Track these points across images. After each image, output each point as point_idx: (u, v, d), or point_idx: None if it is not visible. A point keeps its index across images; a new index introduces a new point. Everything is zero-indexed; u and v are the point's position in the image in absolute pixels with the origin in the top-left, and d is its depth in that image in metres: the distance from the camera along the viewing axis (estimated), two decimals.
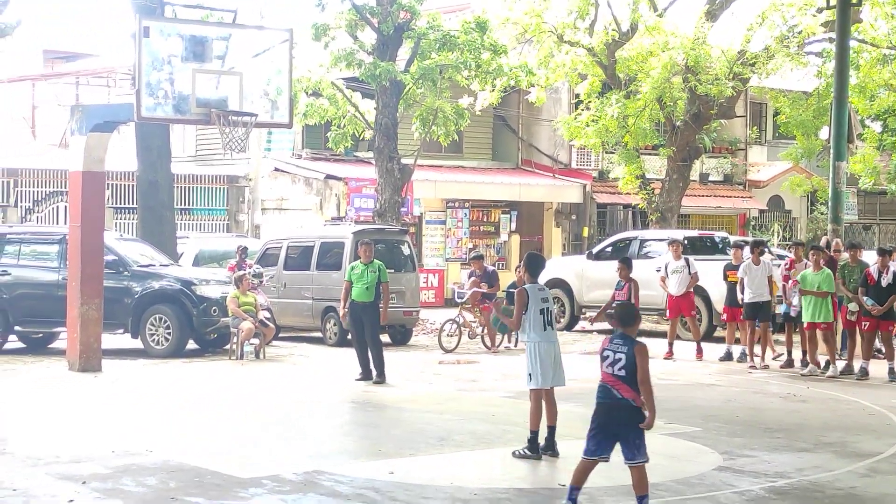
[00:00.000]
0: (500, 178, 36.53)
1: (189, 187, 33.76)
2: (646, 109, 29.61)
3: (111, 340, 20.10)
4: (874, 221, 44.75)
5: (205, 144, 35.53)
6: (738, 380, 18.06)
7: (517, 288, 11.66)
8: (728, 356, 20.40)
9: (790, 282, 19.34)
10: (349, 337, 18.92)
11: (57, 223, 30.07)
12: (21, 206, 31.45)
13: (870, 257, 19.27)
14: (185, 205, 33.11)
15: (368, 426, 13.89)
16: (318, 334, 23.59)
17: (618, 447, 8.76)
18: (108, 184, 24.80)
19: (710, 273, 21.93)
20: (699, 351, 20.71)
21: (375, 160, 26.74)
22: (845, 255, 19.31)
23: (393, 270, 20.56)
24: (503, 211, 36.86)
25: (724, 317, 21.07)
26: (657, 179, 32.95)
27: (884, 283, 17.87)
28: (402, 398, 15.72)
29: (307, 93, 26.49)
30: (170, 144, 26.00)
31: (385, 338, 20.94)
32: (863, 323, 18.16)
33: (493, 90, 29.03)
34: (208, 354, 21.05)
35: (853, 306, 18.29)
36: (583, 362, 19.30)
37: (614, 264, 19.95)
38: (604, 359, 8.73)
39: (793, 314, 19.40)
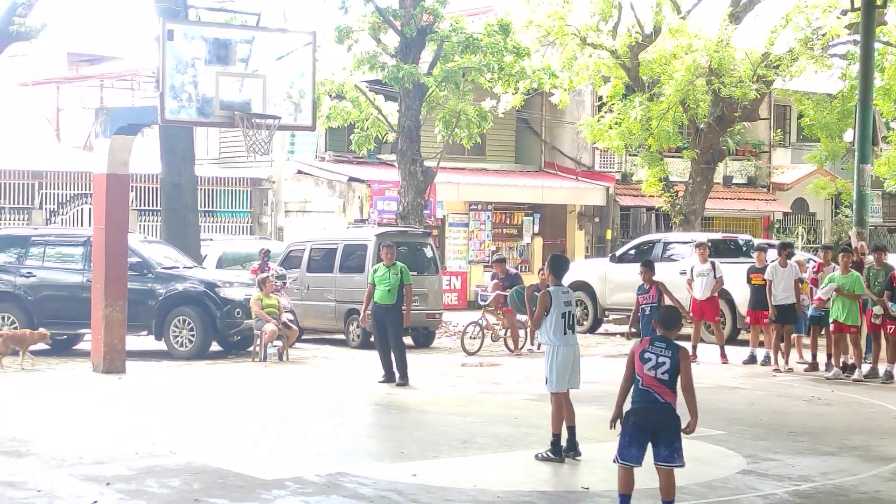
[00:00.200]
0: (523, 180, 36.51)
1: (213, 189, 33.84)
2: (669, 112, 29.55)
3: (135, 342, 20.18)
4: None
5: (228, 147, 35.62)
6: (761, 383, 18.00)
7: (540, 291, 11.64)
8: (752, 359, 20.34)
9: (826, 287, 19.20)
10: (372, 339, 18.93)
11: (81, 225, 30.18)
12: (46, 209, 31.58)
13: (895, 260, 19.18)
14: (208, 207, 33.19)
15: (391, 428, 13.90)
16: (341, 336, 23.62)
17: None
18: (132, 186, 24.89)
19: (734, 276, 21.86)
20: (723, 354, 20.64)
21: (398, 163, 26.75)
22: (870, 258, 19.21)
23: (416, 273, 20.56)
24: (526, 213, 36.83)
25: (748, 320, 21.01)
26: (681, 182, 32.87)
27: None
28: (424, 400, 15.72)
29: (330, 95, 26.53)
30: (194, 147, 26.07)
31: (408, 340, 20.94)
32: (888, 326, 18.05)
33: (515, 93, 29.01)
34: (232, 356, 21.10)
35: (878, 309, 18.19)
36: (606, 365, 19.30)
37: (637, 267, 19.90)
38: (646, 361, 8.60)
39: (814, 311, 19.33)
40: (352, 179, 32.70)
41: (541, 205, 36.75)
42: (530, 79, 27.51)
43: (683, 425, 8.70)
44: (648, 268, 18.81)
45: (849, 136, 31.38)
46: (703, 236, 25.53)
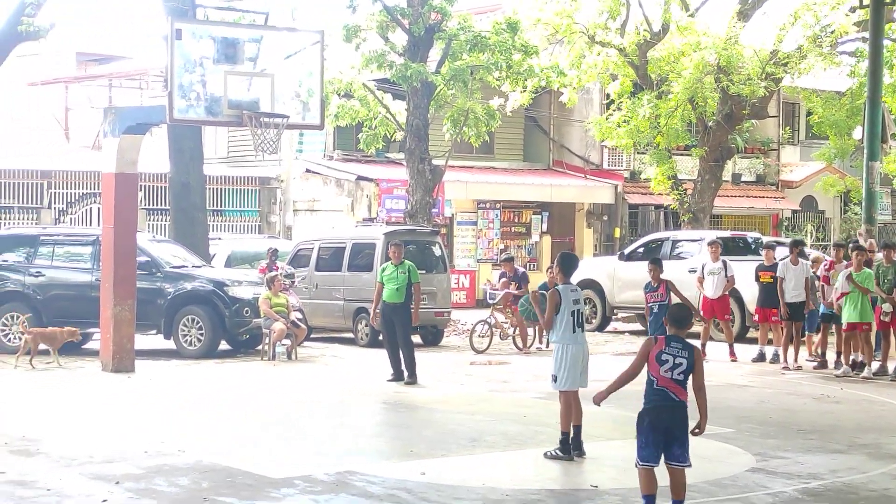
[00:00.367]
0: (532, 178, 36.50)
1: (221, 189, 33.88)
2: (678, 110, 29.52)
3: (144, 341, 20.20)
4: None
5: (237, 146, 35.66)
6: (771, 381, 17.98)
7: (549, 289, 11.63)
8: (761, 357, 20.32)
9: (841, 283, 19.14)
10: (380, 338, 18.93)
11: (90, 225, 30.24)
12: (54, 208, 31.64)
13: None
14: (217, 206, 33.24)
15: (400, 427, 13.90)
16: (350, 335, 23.63)
17: None
18: (140, 185, 24.88)
19: (743, 274, 21.83)
20: (732, 352, 20.61)
21: (406, 161, 26.75)
22: (879, 256, 19.18)
23: (424, 271, 20.56)
24: (534, 212, 36.82)
25: (756, 317, 20.98)
26: (689, 180, 32.84)
27: None
28: (433, 399, 15.72)
29: (339, 94, 26.54)
30: (202, 146, 26.08)
31: (416, 339, 20.94)
32: None
33: (524, 91, 29.00)
34: (240, 355, 21.12)
35: (887, 307, 18.16)
36: (614, 363, 19.25)
37: (646, 265, 19.89)
38: (663, 363, 8.55)
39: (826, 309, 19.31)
40: (360, 178, 32.71)
41: (549, 203, 36.74)
42: (538, 77, 27.51)
43: (692, 425, 8.69)
44: (657, 265, 18.77)
45: (858, 133, 31.33)
46: (712, 234, 25.51)
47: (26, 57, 32.82)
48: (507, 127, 34.21)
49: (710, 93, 29.33)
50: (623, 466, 10.66)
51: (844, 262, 19.17)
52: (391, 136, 27.97)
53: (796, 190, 41.40)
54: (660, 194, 33.23)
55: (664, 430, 8.57)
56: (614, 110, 30.96)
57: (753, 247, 25.39)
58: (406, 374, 17.13)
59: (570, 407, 11.32)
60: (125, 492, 9.59)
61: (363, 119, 27.11)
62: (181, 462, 10.83)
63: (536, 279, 26.17)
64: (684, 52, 29.18)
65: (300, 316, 21.42)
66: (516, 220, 36.77)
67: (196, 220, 25.33)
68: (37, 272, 21.09)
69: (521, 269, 24.18)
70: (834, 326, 19.33)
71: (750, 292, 22.10)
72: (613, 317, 27.08)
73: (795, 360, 19.60)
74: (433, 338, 23.54)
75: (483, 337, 22.44)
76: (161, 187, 30.85)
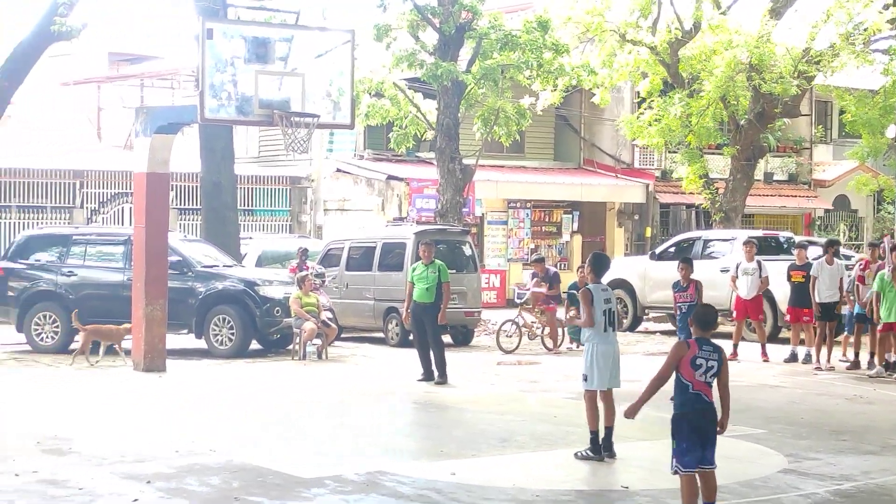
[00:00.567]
0: (562, 178, 36.43)
1: (252, 188, 33.98)
2: (709, 108, 29.38)
3: (175, 340, 20.27)
4: None
5: (267, 146, 35.74)
6: (803, 381, 17.88)
7: (579, 289, 11.61)
8: (793, 357, 20.21)
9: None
10: (411, 337, 18.94)
11: (122, 224, 30.39)
12: (87, 208, 31.81)
13: None
14: (248, 206, 33.34)
15: (430, 427, 13.89)
16: (380, 335, 23.64)
17: None
18: (172, 185, 25.01)
19: (775, 273, 21.70)
20: (764, 353, 20.50)
21: (437, 160, 26.75)
22: None
23: (454, 271, 20.54)
24: (565, 211, 36.74)
25: (788, 317, 20.87)
26: (721, 179, 32.69)
27: None
28: (463, 399, 15.71)
29: (369, 93, 26.56)
30: (233, 146, 26.17)
31: (447, 338, 20.94)
32: None
33: (554, 90, 28.92)
34: (271, 355, 21.16)
35: None
36: (646, 363, 19.19)
37: (676, 264, 19.78)
38: (697, 367, 8.49)
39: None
40: (390, 177, 32.73)
41: (580, 202, 36.66)
42: (569, 76, 27.44)
43: None
44: (688, 265, 18.68)
45: (891, 132, 31.12)
46: (744, 234, 25.39)
47: (59, 57, 32.97)
48: (537, 126, 34.15)
49: (741, 91, 29.19)
50: (652, 468, 10.62)
51: (879, 262, 19.04)
52: (422, 136, 27.97)
53: (829, 189, 41.17)
54: (691, 193, 33.09)
55: (702, 434, 8.52)
56: (645, 109, 30.85)
57: (786, 246, 25.24)
58: (436, 373, 17.12)
59: (596, 406, 11.30)
60: (156, 491, 9.62)
61: (394, 118, 27.12)
62: (212, 461, 10.85)
63: (567, 279, 26.11)
64: (716, 50, 29.04)
65: (331, 316, 21.45)
66: (547, 220, 36.70)
67: (227, 220, 25.42)
68: (69, 272, 21.20)
69: (553, 269, 24.14)
70: (868, 327, 19.18)
71: (782, 292, 21.98)
72: (645, 317, 26.99)
73: (828, 360, 19.49)
74: (463, 338, 23.52)
75: (511, 337, 22.40)
76: (192, 187, 30.96)
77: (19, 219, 30.49)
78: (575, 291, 18.69)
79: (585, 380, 11.33)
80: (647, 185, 36.92)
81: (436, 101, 26.69)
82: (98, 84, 42.23)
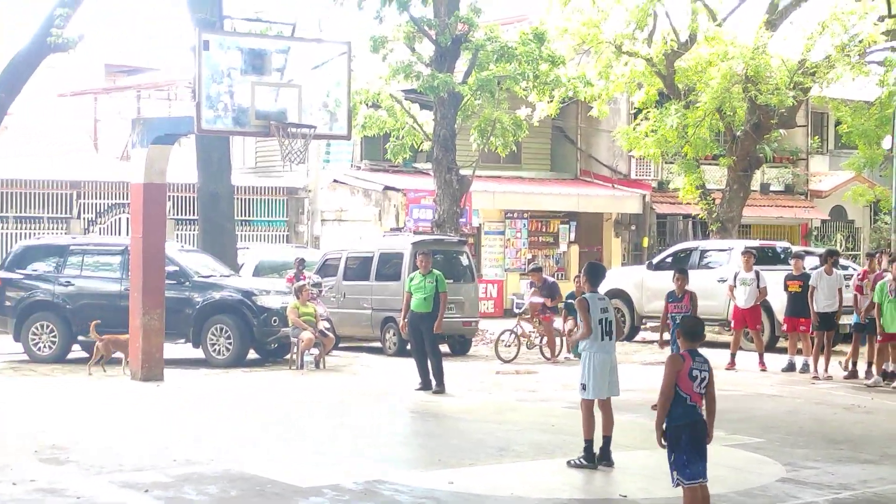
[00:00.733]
0: (559, 188, 36.45)
1: (249, 199, 33.99)
2: (705, 119, 29.42)
3: (173, 350, 20.27)
4: None
5: (264, 156, 35.77)
6: (800, 390, 17.89)
7: (576, 298, 11.63)
8: (791, 367, 20.23)
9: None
10: (408, 347, 18.95)
11: (119, 234, 30.38)
12: (84, 218, 31.81)
13: None
14: (245, 216, 33.35)
15: (428, 436, 13.89)
16: (378, 344, 23.65)
17: None
18: (169, 195, 25.04)
19: (772, 283, 21.73)
20: (761, 362, 20.52)
21: (434, 171, 26.77)
22: None
23: (452, 281, 20.55)
24: (562, 221, 36.77)
25: (785, 327, 20.89)
26: (717, 189, 32.73)
27: None
28: (461, 408, 15.71)
29: (366, 104, 26.57)
30: (230, 156, 26.20)
31: (444, 348, 20.95)
32: None
33: (551, 101, 28.96)
34: (269, 364, 21.16)
35: None
36: (643, 373, 19.23)
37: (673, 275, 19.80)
38: (694, 379, 8.49)
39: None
40: (387, 188, 32.75)
41: (577, 213, 36.70)
42: (565, 87, 27.49)
43: None
44: (684, 275, 18.70)
45: (887, 143, 31.16)
46: (741, 244, 25.41)
47: (56, 68, 33.02)
48: (534, 137, 34.19)
49: (738, 102, 29.23)
50: (652, 476, 10.63)
51: (876, 272, 19.07)
52: (418, 147, 27.99)
53: (825, 199, 41.21)
54: (688, 204, 33.14)
55: (699, 446, 8.53)
56: (641, 120, 30.90)
57: (782, 256, 25.28)
58: (434, 383, 17.13)
59: (592, 415, 11.31)
60: (154, 500, 9.62)
61: (390, 129, 27.14)
62: (210, 471, 10.85)
63: (565, 289, 26.10)
64: (712, 61, 29.09)
65: (328, 325, 21.45)
66: (544, 230, 36.73)
67: (224, 230, 25.44)
68: (66, 282, 21.21)
69: (551, 280, 24.14)
70: (866, 336, 19.20)
71: (779, 302, 21.99)
72: (642, 326, 27.01)
73: (826, 369, 19.49)
74: (461, 347, 23.53)
75: (509, 346, 22.42)
76: (189, 197, 30.99)
77: (16, 229, 30.50)
78: (572, 301, 18.72)
79: (583, 389, 11.34)
80: (644, 196, 36.95)
81: (432, 112, 26.72)
82: (95, 95, 42.26)
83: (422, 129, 27.13)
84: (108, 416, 14.69)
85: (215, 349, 20.55)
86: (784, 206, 40.05)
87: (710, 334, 26.05)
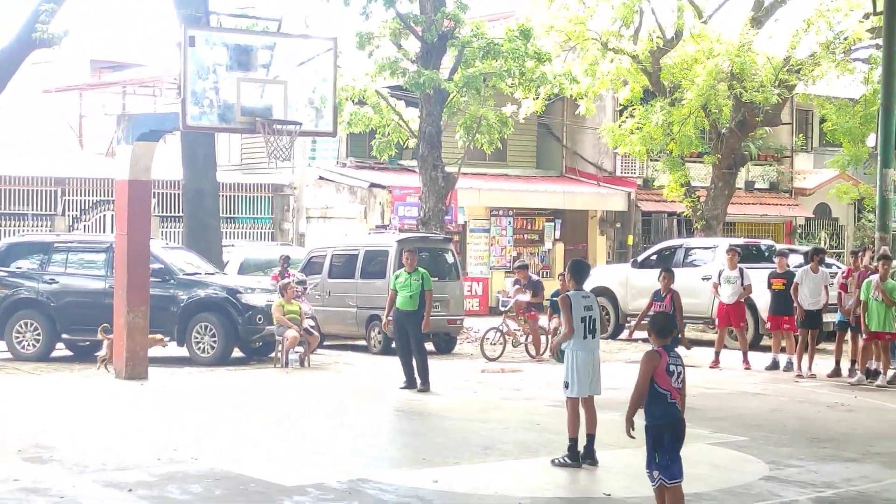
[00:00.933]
0: (545, 186, 36.49)
1: (234, 196, 33.96)
2: (691, 117, 29.49)
3: (157, 348, 20.21)
4: None
5: (250, 153, 35.73)
6: (784, 389, 17.92)
7: (560, 295, 11.64)
8: (774, 365, 20.26)
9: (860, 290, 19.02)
10: (394, 345, 18.94)
11: (104, 232, 30.30)
12: (68, 215, 31.72)
13: None
14: (230, 213, 33.30)
15: (413, 434, 13.89)
16: (363, 342, 23.63)
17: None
18: (154, 192, 24.94)
19: (756, 281, 21.78)
20: (745, 360, 20.54)
21: (419, 168, 26.75)
22: (895, 265, 19.11)
23: (437, 279, 20.54)
24: (547, 219, 36.81)
25: (769, 325, 20.92)
26: (702, 187, 32.79)
27: None
28: (446, 406, 15.71)
29: (352, 101, 26.53)
30: (215, 153, 26.14)
31: (429, 346, 20.94)
32: None
33: (536, 98, 28.98)
34: (253, 362, 21.14)
35: None
36: (627, 371, 19.22)
37: (657, 273, 19.83)
38: (671, 374, 8.49)
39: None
40: (373, 185, 32.74)
41: (562, 210, 36.74)
42: (551, 84, 27.47)
43: None
44: (670, 274, 18.73)
45: (871, 140, 31.28)
46: (726, 241, 25.47)
47: (40, 64, 32.94)
48: (519, 134, 34.20)
49: (723, 100, 29.31)
50: (635, 475, 10.62)
51: (861, 270, 19.11)
52: (404, 144, 27.97)
53: (810, 197, 41.33)
54: (673, 201, 33.19)
55: (679, 445, 8.55)
56: (627, 117, 30.94)
57: (767, 254, 25.32)
58: (419, 381, 17.12)
59: (577, 413, 11.32)
60: (138, 499, 9.60)
61: (376, 126, 27.11)
62: (194, 469, 10.83)
63: (549, 286, 26.12)
64: (697, 59, 29.16)
65: (313, 323, 21.43)
66: (529, 228, 36.77)
67: (209, 227, 25.38)
68: (50, 279, 21.15)
69: (536, 277, 24.14)
70: (849, 334, 19.24)
71: (763, 300, 22.03)
72: (626, 324, 27.03)
73: (809, 368, 19.53)
74: (446, 345, 23.54)
75: (494, 344, 22.40)
76: (175, 194, 30.93)
77: (0, 226, 30.39)
78: (556, 298, 18.72)
79: (567, 387, 11.35)
80: (629, 194, 37.01)
81: (418, 109, 26.70)
82: (80, 91, 42.17)
83: (408, 125, 27.10)
84: (91, 414, 14.65)
85: (200, 347, 20.51)
86: (769, 204, 40.15)
87: (694, 332, 26.12)
